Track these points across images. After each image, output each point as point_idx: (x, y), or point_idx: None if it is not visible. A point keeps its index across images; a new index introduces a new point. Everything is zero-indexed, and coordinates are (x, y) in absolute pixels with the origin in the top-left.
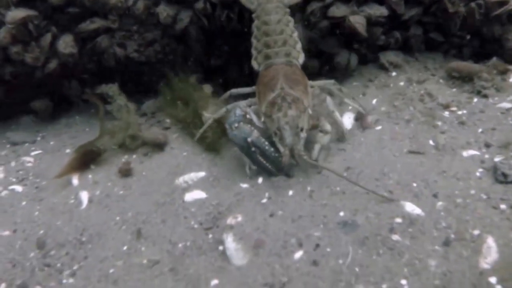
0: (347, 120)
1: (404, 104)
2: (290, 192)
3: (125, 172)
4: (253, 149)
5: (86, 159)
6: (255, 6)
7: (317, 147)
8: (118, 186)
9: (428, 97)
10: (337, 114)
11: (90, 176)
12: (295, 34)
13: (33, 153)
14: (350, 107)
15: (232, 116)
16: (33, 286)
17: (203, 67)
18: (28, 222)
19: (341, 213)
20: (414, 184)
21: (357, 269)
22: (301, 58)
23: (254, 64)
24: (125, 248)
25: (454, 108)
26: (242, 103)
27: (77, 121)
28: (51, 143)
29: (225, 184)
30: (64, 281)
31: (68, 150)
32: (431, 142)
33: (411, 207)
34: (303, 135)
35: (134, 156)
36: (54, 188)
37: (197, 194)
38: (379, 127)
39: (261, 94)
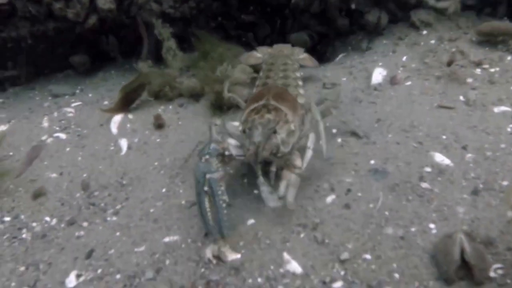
0: (378, 76)
1: (434, 61)
2: (320, 142)
3: (158, 126)
4: (205, 188)
5: (132, 97)
6: (265, 58)
7: (282, 184)
8: (155, 135)
9: (459, 54)
10: (321, 125)
11: (128, 125)
12: (299, 76)
13: (73, 104)
14: (380, 63)
15: (206, 148)
16: (81, 222)
17: (236, 24)
18: (72, 166)
19: (372, 161)
20: (444, 137)
21: (387, 213)
22: (300, 98)
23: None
24: (164, 190)
25: (486, 66)
26: (223, 136)
27: (113, 75)
28: (90, 95)
29: None
30: (108, 218)
31: (105, 102)
32: (461, 97)
33: (440, 158)
34: (276, 141)
35: (170, 106)
36: (95, 136)
37: (232, 141)
38: (409, 83)
39: (246, 107)
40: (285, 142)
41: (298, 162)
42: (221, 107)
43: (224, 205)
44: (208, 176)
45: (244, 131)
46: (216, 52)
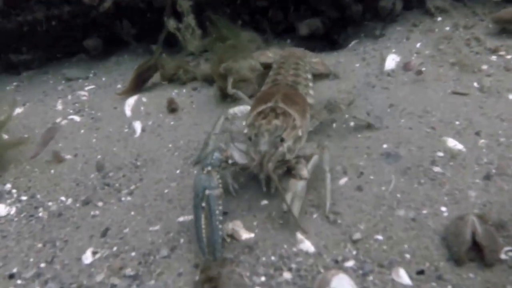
0: (391, 62)
1: (449, 48)
2: (334, 125)
3: (172, 110)
4: (203, 204)
5: (145, 77)
6: (277, 58)
7: (288, 197)
8: (169, 118)
9: (475, 41)
10: (328, 178)
11: (142, 108)
12: (310, 78)
13: (87, 88)
14: (394, 50)
15: (209, 158)
16: (96, 202)
17: (249, 9)
18: (87, 147)
19: (385, 145)
20: (457, 122)
21: (399, 196)
22: (309, 98)
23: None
24: (178, 172)
25: (502, 53)
26: (227, 144)
27: (126, 60)
28: (103, 79)
29: None
30: (123, 198)
31: (119, 86)
32: (475, 84)
33: (453, 143)
34: (283, 149)
35: (184, 90)
36: (109, 118)
37: (243, 107)
38: (422, 69)
39: (252, 108)
40: (291, 150)
41: (304, 172)
42: (227, 97)
43: (220, 226)
44: (207, 192)
45: (249, 138)
46: (231, 36)
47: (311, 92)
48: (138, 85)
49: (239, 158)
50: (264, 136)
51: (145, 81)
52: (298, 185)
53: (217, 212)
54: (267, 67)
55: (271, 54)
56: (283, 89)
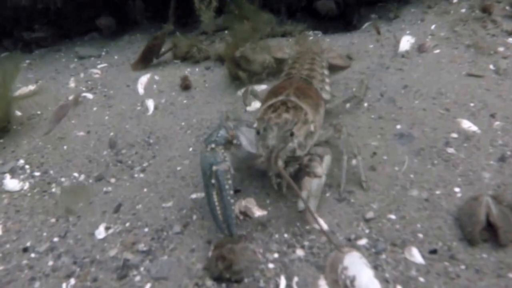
0: (406, 43)
1: (464, 30)
2: (347, 105)
3: (185, 87)
4: (212, 181)
5: (153, 49)
6: (292, 54)
7: (303, 195)
8: (182, 96)
9: (491, 23)
10: (344, 160)
11: (155, 86)
12: (326, 73)
13: (99, 66)
14: (408, 31)
15: (213, 135)
16: (109, 178)
17: None
18: (99, 125)
19: (398, 126)
20: (472, 104)
21: (412, 176)
22: (324, 93)
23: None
24: (191, 149)
25: None
26: (235, 123)
27: (138, 38)
28: (115, 57)
29: None
30: (136, 175)
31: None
32: (491, 66)
33: (467, 124)
34: (293, 144)
35: (197, 69)
36: (121, 96)
37: (259, 104)
38: (437, 51)
39: (263, 102)
40: (302, 145)
41: (319, 169)
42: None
43: (232, 200)
44: (214, 168)
45: (258, 132)
46: (251, 14)
47: (327, 87)
48: (147, 58)
49: (245, 143)
50: (272, 130)
51: (155, 53)
52: (313, 183)
53: (227, 186)
54: (281, 62)
55: (287, 50)
56: (296, 82)
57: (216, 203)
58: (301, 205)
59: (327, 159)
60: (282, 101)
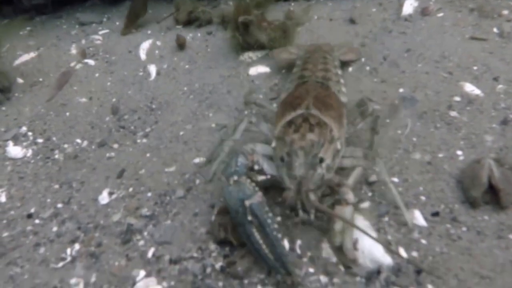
0: (409, 7)
1: None
2: (350, 69)
3: (180, 45)
4: (249, 218)
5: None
6: (301, 54)
7: (337, 228)
8: (184, 61)
9: None
10: (393, 188)
11: (156, 51)
12: (340, 73)
13: (101, 32)
14: None
15: (232, 165)
16: (111, 144)
17: None
18: (101, 91)
19: (401, 89)
20: (475, 68)
21: (414, 139)
22: (342, 96)
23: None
24: (193, 114)
25: None
26: (252, 146)
27: None
28: (117, 23)
29: None
30: (138, 140)
31: (133, 31)
32: (495, 29)
33: (470, 88)
34: (322, 170)
35: (199, 34)
36: (123, 62)
37: (261, 69)
38: (440, 14)
39: (279, 115)
40: (330, 168)
41: (350, 195)
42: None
43: (279, 235)
44: (247, 203)
45: (281, 159)
46: None
47: (343, 89)
48: (132, 19)
49: (266, 166)
50: (298, 156)
51: (138, 14)
52: (345, 212)
53: (269, 220)
54: (289, 65)
55: (293, 50)
56: (314, 89)
57: (261, 241)
58: (337, 239)
59: (357, 172)
60: (303, 116)
